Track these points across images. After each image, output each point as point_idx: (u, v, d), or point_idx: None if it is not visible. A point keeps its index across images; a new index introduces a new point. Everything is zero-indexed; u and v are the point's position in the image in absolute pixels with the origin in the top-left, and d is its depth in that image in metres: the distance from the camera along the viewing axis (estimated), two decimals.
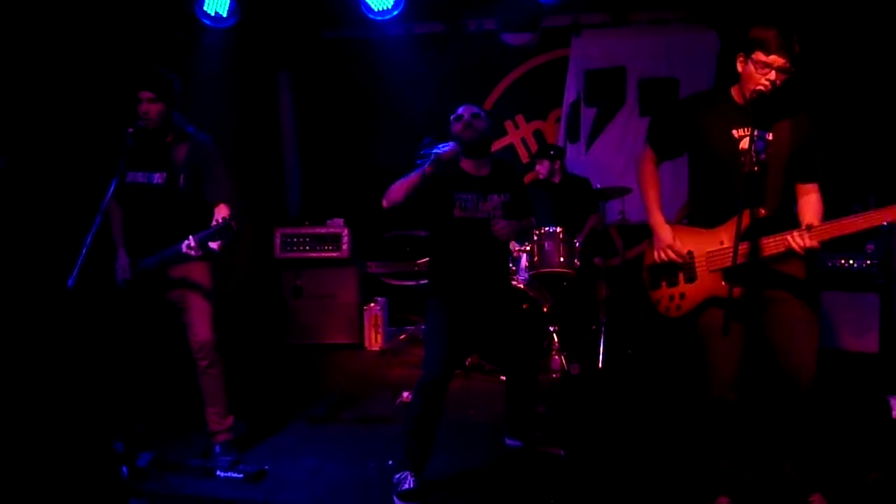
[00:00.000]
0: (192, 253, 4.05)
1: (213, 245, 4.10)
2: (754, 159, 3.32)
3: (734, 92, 3.49)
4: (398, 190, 4.10)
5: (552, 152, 7.21)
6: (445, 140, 4.17)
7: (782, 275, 3.43)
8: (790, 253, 3.28)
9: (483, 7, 7.64)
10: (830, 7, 6.56)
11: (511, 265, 6.78)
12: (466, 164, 4.30)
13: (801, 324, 3.45)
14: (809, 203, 3.47)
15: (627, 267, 7.73)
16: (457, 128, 4.25)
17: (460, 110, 4.31)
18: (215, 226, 4.02)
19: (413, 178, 4.07)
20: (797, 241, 3.19)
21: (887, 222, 3.08)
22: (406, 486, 3.95)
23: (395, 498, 3.95)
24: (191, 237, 4.04)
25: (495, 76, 8.65)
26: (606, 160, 8.18)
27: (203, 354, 4.43)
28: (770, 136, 3.40)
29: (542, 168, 7.15)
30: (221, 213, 4.31)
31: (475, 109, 4.32)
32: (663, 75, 8.04)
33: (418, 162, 4.08)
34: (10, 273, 5.37)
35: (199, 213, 4.30)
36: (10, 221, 5.44)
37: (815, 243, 3.17)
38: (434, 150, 4.04)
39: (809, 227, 3.19)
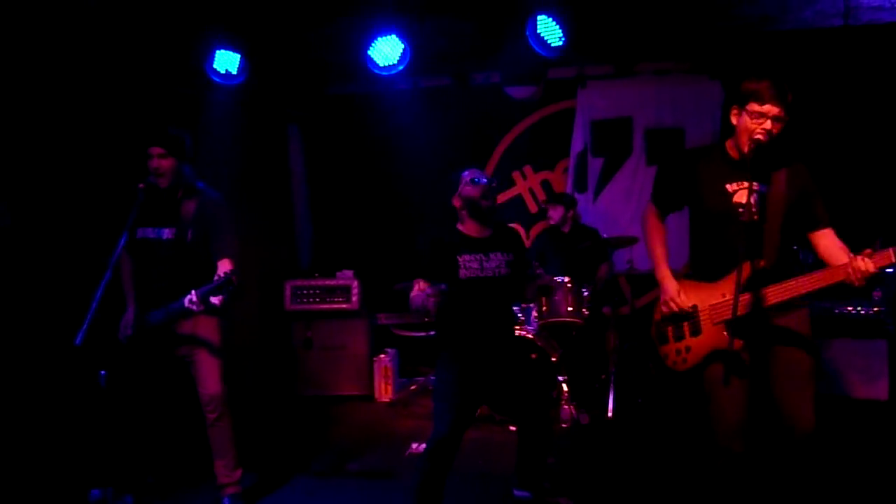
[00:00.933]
0: (195, 308, 4.10)
1: (214, 300, 4.14)
2: (754, 209, 3.35)
3: (728, 146, 3.54)
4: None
5: (566, 199, 7.29)
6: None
7: (781, 328, 3.45)
8: (792, 302, 3.31)
9: (488, 61, 7.73)
10: (833, 53, 6.63)
11: (521, 315, 6.81)
12: (469, 228, 4.37)
13: (798, 375, 3.46)
14: (832, 246, 3.47)
15: (636, 316, 7.71)
16: (475, 192, 4.28)
17: (480, 178, 4.33)
18: (216, 281, 4.07)
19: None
20: (859, 265, 3.17)
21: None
22: None
23: None
24: (192, 292, 4.08)
25: (503, 128, 8.74)
26: (614, 209, 8.21)
27: (212, 408, 4.45)
28: (765, 189, 3.43)
29: (555, 213, 7.20)
30: (224, 267, 4.35)
31: (484, 173, 4.40)
32: (669, 125, 8.10)
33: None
34: (17, 329, 5.41)
35: (208, 268, 4.35)
36: (17, 277, 5.50)
37: (873, 268, 3.17)
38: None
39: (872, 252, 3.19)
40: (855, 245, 3.23)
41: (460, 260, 4.24)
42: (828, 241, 3.50)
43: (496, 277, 4.27)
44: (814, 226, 3.52)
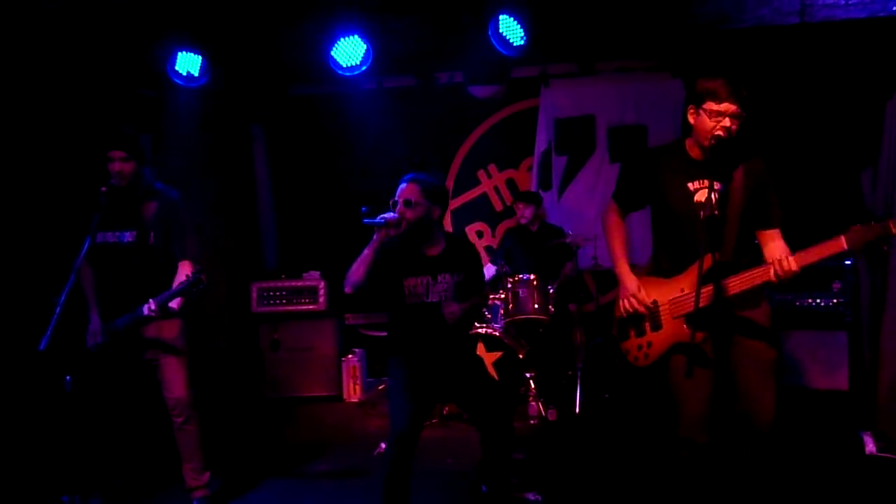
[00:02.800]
0: (154, 315, 4.09)
1: (173, 304, 4.14)
2: (714, 203, 3.40)
3: (688, 145, 3.58)
4: (357, 271, 4.00)
5: (537, 198, 7.35)
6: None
7: (742, 318, 3.50)
8: (754, 292, 3.37)
9: (452, 60, 7.75)
10: (790, 50, 6.72)
11: (487, 314, 6.85)
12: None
13: (759, 366, 3.51)
14: (778, 249, 3.50)
15: (602, 312, 7.79)
16: (394, 220, 4.02)
17: (397, 191, 4.14)
18: (183, 282, 4.07)
19: (367, 253, 4.00)
20: (782, 266, 3.24)
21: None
22: None
23: None
24: (150, 300, 4.08)
25: (467, 127, 8.75)
26: (578, 207, 8.26)
27: (178, 411, 4.44)
28: (723, 186, 3.48)
29: (526, 212, 7.24)
30: (185, 269, 4.33)
31: (412, 194, 4.10)
32: (631, 123, 8.15)
33: (365, 222, 3.97)
34: None
35: (171, 270, 4.34)
36: None
37: (796, 267, 3.23)
38: (379, 219, 3.96)
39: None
40: (809, 239, 3.29)
41: (405, 284, 4.14)
42: (774, 245, 3.54)
43: (443, 302, 4.14)
44: (764, 224, 3.56)
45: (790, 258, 3.25)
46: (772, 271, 3.28)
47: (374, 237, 3.99)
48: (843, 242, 3.16)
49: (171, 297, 4.08)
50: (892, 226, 3.06)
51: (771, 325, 3.57)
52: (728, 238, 3.47)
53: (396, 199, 4.10)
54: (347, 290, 4.06)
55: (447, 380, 4.21)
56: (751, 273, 3.36)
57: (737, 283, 3.39)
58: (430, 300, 4.15)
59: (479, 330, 6.46)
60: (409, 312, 4.18)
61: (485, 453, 4.47)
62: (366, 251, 4.00)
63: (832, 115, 6.91)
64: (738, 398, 3.53)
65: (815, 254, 3.23)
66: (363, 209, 4.01)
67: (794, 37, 6.40)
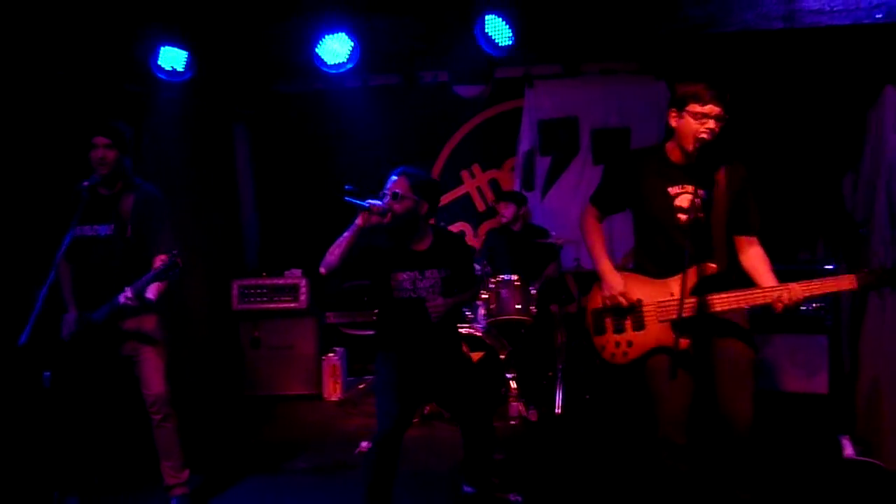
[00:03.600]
0: (131, 303, 4.06)
1: (150, 294, 4.11)
2: (699, 213, 3.42)
3: (668, 148, 3.58)
4: (332, 252, 4.00)
5: (518, 197, 7.34)
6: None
7: (721, 320, 3.52)
8: (738, 309, 3.39)
9: (437, 59, 7.74)
10: (775, 55, 6.75)
11: (469, 313, 6.84)
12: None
13: (738, 370, 3.53)
14: (756, 257, 3.55)
15: (584, 313, 7.78)
16: (380, 208, 4.02)
17: (387, 183, 4.14)
18: (156, 269, 4.04)
19: (346, 236, 4.00)
20: (791, 296, 3.29)
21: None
22: None
23: None
24: (127, 288, 4.05)
25: (452, 126, 8.75)
26: (561, 208, 8.26)
27: (157, 408, 4.41)
28: (706, 192, 3.49)
29: (507, 211, 7.23)
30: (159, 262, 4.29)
31: (401, 187, 4.11)
32: (615, 125, 8.16)
33: (347, 199, 3.98)
34: None
35: (149, 263, 4.30)
36: None
37: (801, 296, 3.29)
38: (365, 203, 3.97)
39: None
40: (791, 246, 3.32)
41: (393, 279, 4.15)
42: (753, 251, 3.58)
43: (427, 299, 4.14)
44: (743, 230, 3.59)
45: (797, 287, 3.29)
46: (778, 303, 3.33)
47: (356, 220, 4.00)
48: (853, 282, 3.24)
49: (147, 283, 4.05)
50: None
51: (749, 327, 3.60)
52: (717, 245, 3.47)
53: (385, 191, 4.10)
54: (322, 270, 4.06)
55: (433, 376, 4.21)
56: (746, 294, 3.38)
57: (729, 300, 3.40)
58: (417, 295, 4.16)
59: (462, 330, 6.44)
60: (397, 307, 4.19)
61: (467, 453, 4.47)
62: (346, 234, 4.01)
63: (815, 121, 6.94)
64: (716, 401, 3.54)
65: (823, 287, 3.30)
66: (347, 187, 4.00)
67: (779, 42, 6.43)
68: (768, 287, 3.39)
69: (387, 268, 4.16)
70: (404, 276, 4.15)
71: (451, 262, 4.28)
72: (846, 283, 3.25)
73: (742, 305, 3.39)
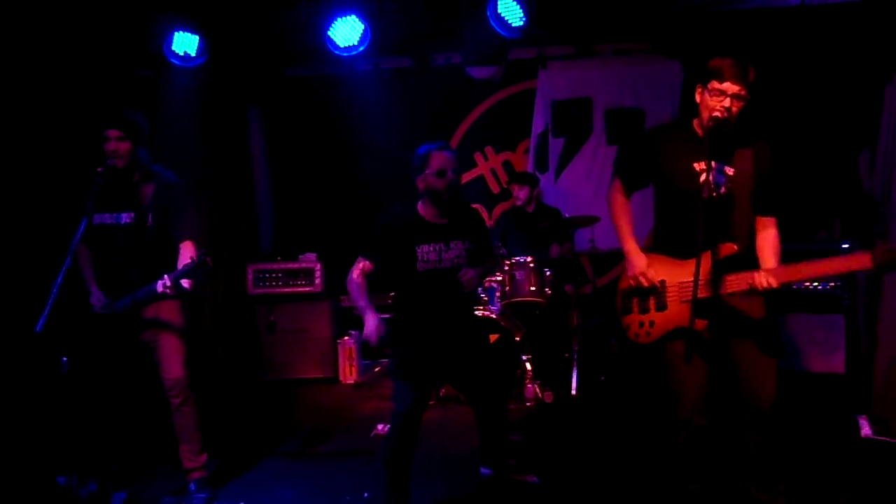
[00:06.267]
0: (169, 292, 4.07)
1: (185, 284, 4.13)
2: (712, 186, 3.40)
3: (695, 124, 3.56)
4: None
5: (532, 179, 7.34)
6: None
7: (744, 305, 3.50)
8: (752, 290, 3.36)
9: (449, 42, 7.72)
10: (790, 32, 6.69)
11: (484, 296, 6.83)
12: (429, 212, 4.20)
13: (760, 350, 3.51)
14: (767, 239, 3.53)
15: (598, 294, 7.79)
16: (439, 185, 4.06)
17: (443, 164, 4.08)
18: (190, 263, 4.04)
19: (360, 305, 4.11)
20: (761, 281, 3.26)
21: (848, 271, 3.18)
22: None
23: None
24: (165, 276, 4.06)
25: (464, 108, 8.73)
26: (575, 189, 8.25)
27: (175, 392, 4.43)
28: (731, 171, 3.47)
29: (521, 193, 7.25)
30: (188, 250, 4.30)
31: (455, 164, 4.14)
32: (629, 105, 8.13)
33: None
34: None
35: (168, 252, 4.32)
36: None
37: (776, 284, 3.25)
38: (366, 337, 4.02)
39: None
40: (808, 225, 3.29)
41: (419, 251, 4.11)
42: (768, 233, 3.55)
43: (455, 269, 4.13)
44: (764, 210, 3.57)
45: (769, 275, 3.27)
46: (754, 280, 3.30)
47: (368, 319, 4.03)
48: (868, 260, 3.13)
49: (184, 275, 4.06)
50: None
51: (769, 309, 3.58)
52: (740, 226, 3.46)
53: (444, 168, 4.07)
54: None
55: (451, 354, 4.20)
56: (746, 276, 3.36)
57: (734, 283, 3.39)
58: (442, 266, 4.13)
59: (477, 312, 6.44)
60: (422, 280, 4.14)
61: (482, 436, 4.48)
62: (362, 304, 4.10)
63: (830, 98, 6.89)
64: (738, 379, 3.54)
65: (836, 266, 3.25)
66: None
67: (795, 19, 6.38)
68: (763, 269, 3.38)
69: (409, 241, 4.12)
70: (429, 248, 4.12)
71: (472, 233, 4.28)
72: (860, 262, 3.15)
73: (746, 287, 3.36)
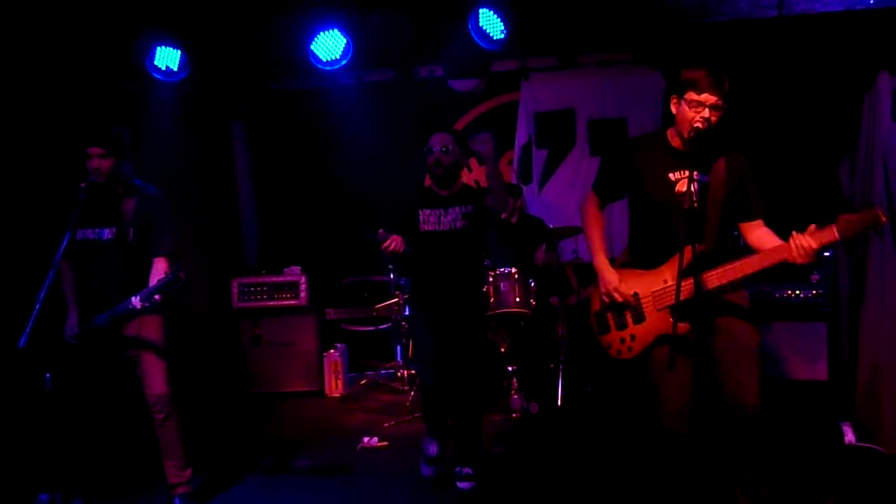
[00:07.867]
0: (139, 306, 4.07)
1: (158, 297, 4.13)
2: (695, 197, 3.42)
3: (670, 135, 3.60)
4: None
5: (515, 190, 7.34)
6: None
7: (724, 303, 3.52)
8: (732, 286, 3.39)
9: (432, 54, 7.74)
10: (768, 43, 6.75)
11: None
12: (430, 183, 4.90)
13: (742, 354, 3.54)
14: (763, 237, 3.54)
15: (584, 305, 7.78)
16: (428, 161, 4.74)
17: (432, 143, 4.73)
18: (163, 279, 4.05)
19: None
20: (802, 242, 3.20)
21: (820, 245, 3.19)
22: (431, 452, 4.85)
23: (421, 462, 4.93)
24: (133, 297, 4.06)
25: (448, 121, 8.68)
26: (559, 200, 8.27)
27: (159, 408, 4.42)
28: (706, 177, 3.50)
29: None
30: (161, 265, 4.35)
31: (446, 142, 4.73)
32: (612, 116, 8.16)
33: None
34: None
35: (150, 267, 4.32)
36: None
37: (816, 244, 3.20)
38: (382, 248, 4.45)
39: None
40: (789, 233, 3.30)
41: (421, 214, 4.73)
42: (760, 232, 3.57)
43: (453, 231, 4.70)
44: (746, 216, 3.60)
45: (807, 236, 3.21)
46: (787, 251, 3.25)
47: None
48: (834, 232, 3.16)
49: (152, 294, 4.06)
50: (880, 214, 3.06)
51: (749, 311, 3.60)
52: (709, 230, 3.49)
53: (431, 146, 4.74)
54: None
55: (451, 312, 4.73)
56: (740, 263, 3.37)
57: (719, 276, 3.40)
58: (440, 229, 4.73)
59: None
60: (424, 241, 4.75)
61: (455, 435, 4.81)
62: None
63: (810, 108, 6.95)
64: (721, 385, 3.55)
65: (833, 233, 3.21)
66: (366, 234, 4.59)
67: (773, 30, 6.43)
68: (763, 252, 3.38)
69: (414, 206, 4.78)
70: (429, 211, 4.75)
71: (472, 201, 4.80)
72: (829, 235, 3.17)
73: (737, 276, 3.37)
